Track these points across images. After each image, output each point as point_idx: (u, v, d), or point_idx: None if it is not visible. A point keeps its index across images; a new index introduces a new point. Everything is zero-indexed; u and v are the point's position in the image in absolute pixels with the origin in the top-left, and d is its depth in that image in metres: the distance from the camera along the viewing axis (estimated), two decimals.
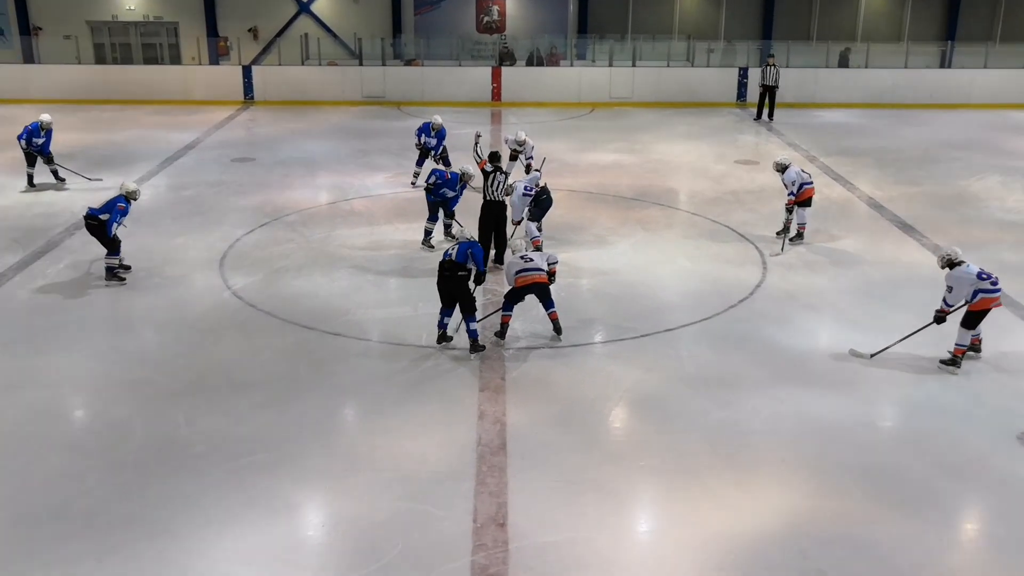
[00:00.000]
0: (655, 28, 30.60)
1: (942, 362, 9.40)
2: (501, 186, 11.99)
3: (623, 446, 8.08)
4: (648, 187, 16.51)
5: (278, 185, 16.48)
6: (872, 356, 9.54)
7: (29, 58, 26.84)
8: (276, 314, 10.64)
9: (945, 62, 27.97)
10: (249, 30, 29.36)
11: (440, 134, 16.02)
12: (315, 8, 30.15)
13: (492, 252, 12.00)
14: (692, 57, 27.85)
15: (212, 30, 29.25)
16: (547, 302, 9.89)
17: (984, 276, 9.14)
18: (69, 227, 13.58)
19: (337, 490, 7.30)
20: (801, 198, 12.99)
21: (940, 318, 9.38)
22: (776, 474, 7.51)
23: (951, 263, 9.27)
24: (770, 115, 23.11)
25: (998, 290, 9.19)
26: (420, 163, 16.23)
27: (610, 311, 10.89)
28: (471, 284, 9.56)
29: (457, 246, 9.54)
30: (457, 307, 9.56)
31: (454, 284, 9.41)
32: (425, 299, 10.66)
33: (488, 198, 12.01)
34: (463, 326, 9.57)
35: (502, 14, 30.82)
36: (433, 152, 16.10)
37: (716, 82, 25.76)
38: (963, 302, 9.24)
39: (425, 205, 12.85)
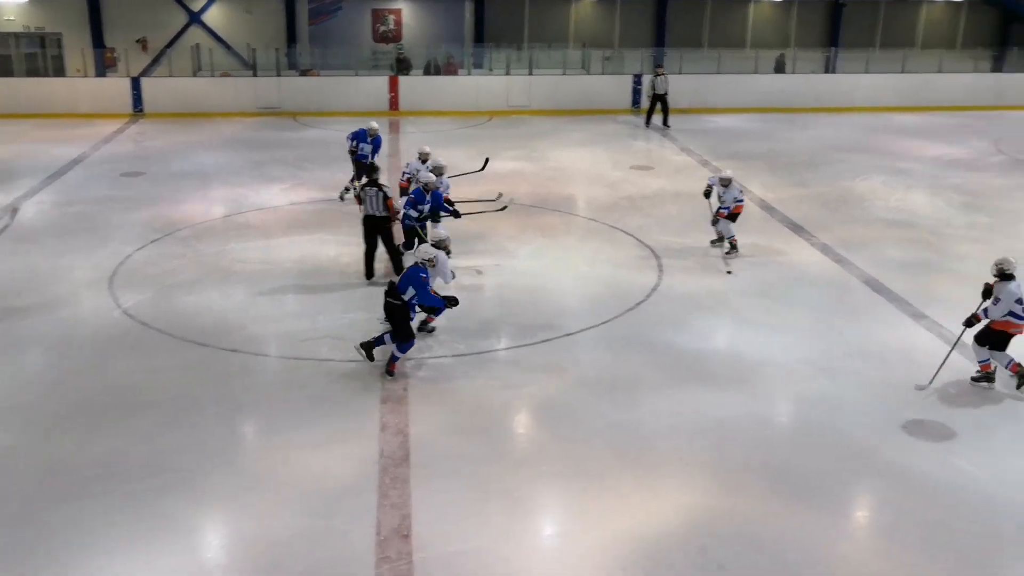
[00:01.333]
0: (551, 37, 30.95)
1: (974, 379, 9.14)
2: (374, 200, 11.61)
3: (526, 452, 8.12)
4: (547, 194, 16.65)
5: (169, 199, 16.06)
6: (930, 383, 9.17)
7: None
8: (170, 332, 10.36)
9: (829, 67, 29.00)
10: (137, 41, 28.58)
11: (376, 141, 15.42)
12: (206, 18, 29.55)
13: (380, 266, 11.84)
14: (587, 65, 28.23)
15: (98, 41, 28.37)
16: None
17: (1021, 302, 8.83)
18: None
19: (239, 509, 7.14)
20: (732, 212, 13.12)
21: (971, 322, 8.97)
22: (676, 474, 7.64)
23: (1003, 274, 8.84)
24: (664, 121, 23.55)
25: None
26: (358, 176, 15.29)
27: (511, 317, 10.93)
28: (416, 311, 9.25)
29: (409, 269, 9.24)
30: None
31: (389, 309, 9.17)
32: (323, 312, 10.52)
33: (367, 213, 11.78)
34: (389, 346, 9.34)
35: (398, 23, 30.74)
36: (362, 159, 15.23)
37: (611, 89, 26.18)
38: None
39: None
